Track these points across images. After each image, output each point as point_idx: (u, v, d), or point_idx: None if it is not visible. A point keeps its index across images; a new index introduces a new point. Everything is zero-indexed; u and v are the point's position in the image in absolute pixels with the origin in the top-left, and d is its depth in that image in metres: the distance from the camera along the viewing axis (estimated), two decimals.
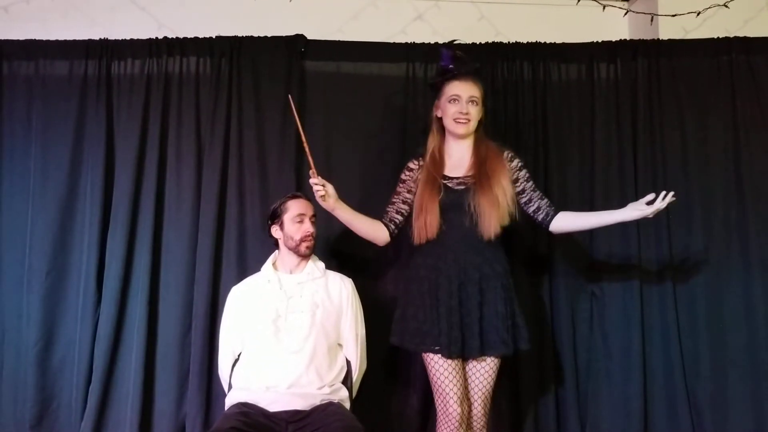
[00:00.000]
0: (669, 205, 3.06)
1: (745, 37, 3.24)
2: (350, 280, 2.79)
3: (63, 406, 3.03)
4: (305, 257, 2.70)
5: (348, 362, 2.72)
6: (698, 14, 3.30)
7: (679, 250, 3.11)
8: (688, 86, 3.21)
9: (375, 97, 3.23)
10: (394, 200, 2.75)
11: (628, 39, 3.36)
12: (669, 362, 3.05)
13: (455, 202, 2.61)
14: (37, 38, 3.18)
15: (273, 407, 2.49)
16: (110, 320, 3.01)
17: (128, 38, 3.19)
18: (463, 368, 2.62)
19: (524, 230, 3.00)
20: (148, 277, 3.04)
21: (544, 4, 3.49)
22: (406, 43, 3.27)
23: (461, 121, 2.64)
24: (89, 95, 3.15)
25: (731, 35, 3.25)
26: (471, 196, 2.60)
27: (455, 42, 2.86)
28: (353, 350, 2.72)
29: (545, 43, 3.26)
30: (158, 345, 3.05)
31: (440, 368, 2.56)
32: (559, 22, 3.44)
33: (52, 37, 3.18)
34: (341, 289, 2.73)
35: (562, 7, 3.44)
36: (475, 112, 2.66)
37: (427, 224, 2.60)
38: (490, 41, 3.27)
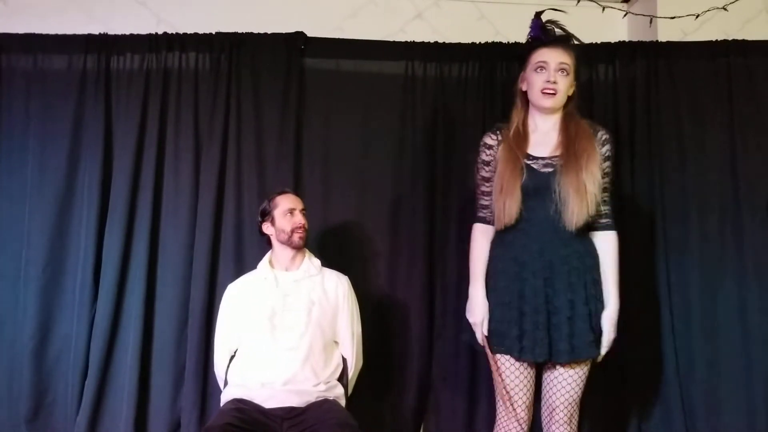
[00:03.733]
0: (666, 205, 3.11)
1: (743, 40, 3.25)
2: (347, 277, 2.79)
3: (58, 401, 3.03)
4: (299, 249, 2.70)
5: (344, 359, 2.72)
6: (697, 17, 3.30)
7: (675, 250, 3.11)
8: (686, 88, 3.22)
9: (374, 95, 3.23)
10: (484, 189, 2.44)
11: (626, 41, 3.36)
12: (663, 362, 3.05)
13: (540, 186, 2.29)
14: (35, 32, 3.17)
15: (268, 404, 2.49)
16: (106, 315, 3.01)
17: (127, 33, 3.19)
18: (541, 372, 2.38)
19: None
20: (144, 273, 3.04)
21: (544, 5, 3.48)
22: (406, 41, 3.27)
23: (548, 92, 2.32)
24: (88, 90, 3.14)
25: (729, 38, 3.25)
26: (557, 180, 2.28)
27: (544, 10, 2.56)
28: (349, 347, 2.72)
29: None
30: (154, 341, 3.05)
31: (511, 374, 2.34)
32: None
33: (51, 31, 3.17)
34: (338, 287, 2.73)
35: (561, 8, 3.44)
36: (564, 84, 2.34)
37: (505, 208, 2.29)
38: (489, 41, 3.27)
